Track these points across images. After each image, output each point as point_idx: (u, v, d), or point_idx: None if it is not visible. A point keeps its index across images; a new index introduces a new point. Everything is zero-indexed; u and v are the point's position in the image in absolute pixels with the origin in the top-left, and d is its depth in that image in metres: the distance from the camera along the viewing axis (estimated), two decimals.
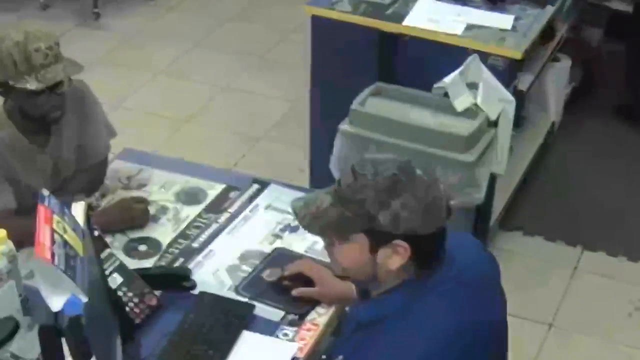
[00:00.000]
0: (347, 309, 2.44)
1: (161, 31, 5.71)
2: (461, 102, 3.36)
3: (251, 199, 2.89)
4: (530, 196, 4.25)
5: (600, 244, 4.01)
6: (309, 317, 2.44)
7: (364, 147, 3.37)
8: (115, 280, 2.37)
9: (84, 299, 1.88)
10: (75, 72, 2.65)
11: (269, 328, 2.41)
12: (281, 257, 2.63)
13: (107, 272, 2.34)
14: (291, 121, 4.77)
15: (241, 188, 2.94)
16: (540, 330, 3.60)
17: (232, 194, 2.91)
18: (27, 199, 2.62)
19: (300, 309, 2.46)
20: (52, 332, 1.93)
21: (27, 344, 2.25)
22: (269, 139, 4.70)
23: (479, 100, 3.36)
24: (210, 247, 2.69)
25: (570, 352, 3.54)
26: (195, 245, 2.70)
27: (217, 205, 2.86)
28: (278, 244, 2.71)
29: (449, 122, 3.36)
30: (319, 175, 3.75)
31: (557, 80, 4.48)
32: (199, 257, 2.64)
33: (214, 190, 2.92)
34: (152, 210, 2.81)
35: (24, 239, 2.31)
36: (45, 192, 2.00)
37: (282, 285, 2.51)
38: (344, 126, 3.43)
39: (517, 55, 3.48)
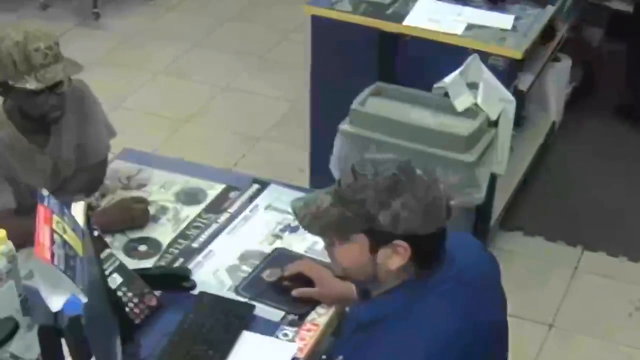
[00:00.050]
0: (347, 309, 2.44)
1: (161, 31, 5.70)
2: (461, 102, 3.36)
3: (251, 199, 2.89)
4: (530, 196, 4.24)
5: (601, 244, 4.01)
6: (309, 318, 2.44)
7: (364, 147, 3.36)
8: (115, 280, 2.36)
9: (84, 299, 1.88)
10: (75, 72, 2.65)
11: (269, 328, 2.40)
12: (281, 257, 2.63)
13: (107, 272, 2.34)
14: (291, 121, 4.76)
15: (241, 188, 2.93)
16: (540, 331, 3.60)
17: (232, 194, 2.91)
18: (26, 199, 2.61)
19: (300, 309, 2.46)
20: (51, 332, 1.92)
21: (27, 344, 2.25)
22: (269, 139, 4.70)
23: (479, 100, 3.35)
24: (210, 247, 2.68)
25: (571, 352, 3.54)
26: (195, 245, 2.69)
27: (217, 206, 2.86)
28: (278, 244, 2.70)
29: (449, 122, 3.35)
30: (319, 175, 3.74)
31: (558, 80, 4.47)
32: (199, 257, 2.64)
33: (213, 190, 2.92)
34: (152, 210, 2.80)
35: (23, 239, 2.31)
36: (45, 192, 2.00)
37: (282, 285, 2.50)
38: (344, 126, 3.43)
39: (518, 55, 3.48)
